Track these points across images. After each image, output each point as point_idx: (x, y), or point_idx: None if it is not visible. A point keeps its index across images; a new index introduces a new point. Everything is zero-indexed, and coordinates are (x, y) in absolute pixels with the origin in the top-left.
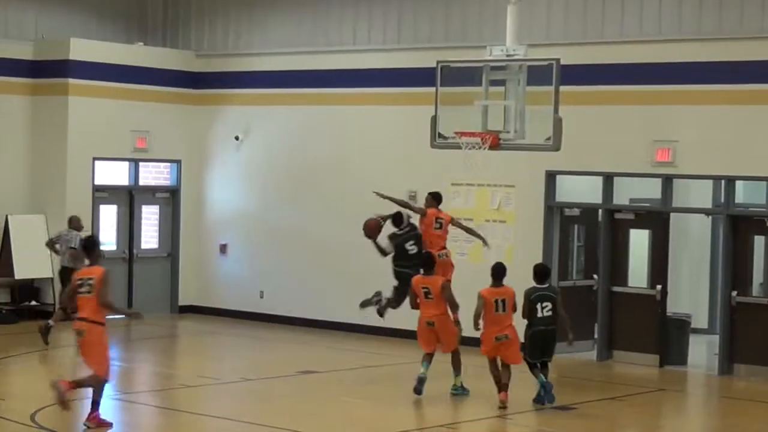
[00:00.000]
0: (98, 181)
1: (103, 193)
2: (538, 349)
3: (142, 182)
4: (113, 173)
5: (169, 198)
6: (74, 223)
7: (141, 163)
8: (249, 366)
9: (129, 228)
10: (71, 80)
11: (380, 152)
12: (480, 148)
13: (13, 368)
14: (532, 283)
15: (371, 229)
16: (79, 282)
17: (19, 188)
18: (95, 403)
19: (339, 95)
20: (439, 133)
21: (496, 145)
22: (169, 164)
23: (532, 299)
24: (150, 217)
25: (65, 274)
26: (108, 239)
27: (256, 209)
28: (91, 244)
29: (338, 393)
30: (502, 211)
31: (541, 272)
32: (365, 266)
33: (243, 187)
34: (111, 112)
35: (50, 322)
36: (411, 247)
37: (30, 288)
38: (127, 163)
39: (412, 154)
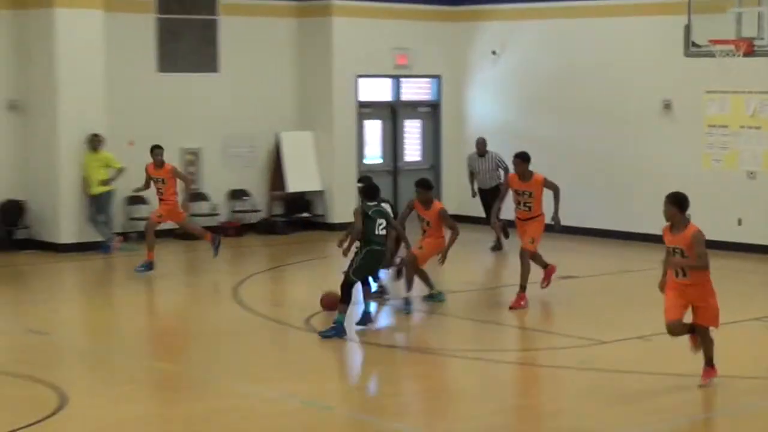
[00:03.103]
0: (362, 98)
1: (367, 109)
2: (367, 269)
3: (404, 98)
4: (376, 90)
5: (431, 112)
6: (479, 147)
7: (402, 80)
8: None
9: (393, 142)
10: (335, 1)
11: (635, 62)
12: (734, 55)
13: (288, 276)
14: None
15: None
16: None
17: (289, 107)
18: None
19: (593, 7)
20: (693, 42)
21: (750, 52)
22: (429, 80)
23: (370, 215)
24: (412, 131)
25: (484, 195)
26: (374, 153)
27: (515, 121)
28: None
29: (595, 296)
30: (757, 118)
31: (368, 189)
32: (624, 170)
33: (501, 100)
34: (372, 31)
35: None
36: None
37: (302, 200)
38: (389, 80)
39: (667, 63)
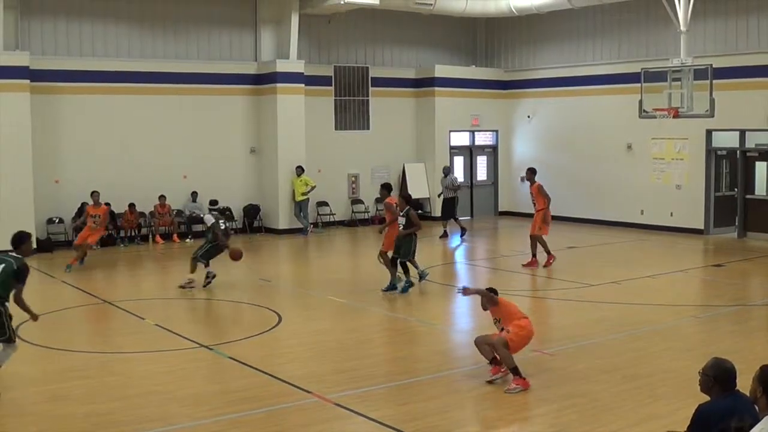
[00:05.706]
0: (453, 143)
1: (455, 150)
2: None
3: (477, 143)
4: (460, 138)
5: (492, 151)
6: (444, 171)
7: (476, 132)
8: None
9: (470, 169)
10: (437, 88)
11: (611, 121)
12: (668, 117)
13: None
14: (697, 195)
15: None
16: None
17: (410, 149)
18: None
19: (586, 90)
20: (644, 110)
21: (677, 116)
22: (491, 132)
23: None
24: (482, 162)
25: (444, 202)
26: (461, 176)
27: (540, 156)
28: None
29: (587, 258)
30: (681, 153)
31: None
32: (604, 184)
33: (532, 144)
34: (458, 105)
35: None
36: None
37: (417, 202)
38: (468, 133)
39: (629, 122)
